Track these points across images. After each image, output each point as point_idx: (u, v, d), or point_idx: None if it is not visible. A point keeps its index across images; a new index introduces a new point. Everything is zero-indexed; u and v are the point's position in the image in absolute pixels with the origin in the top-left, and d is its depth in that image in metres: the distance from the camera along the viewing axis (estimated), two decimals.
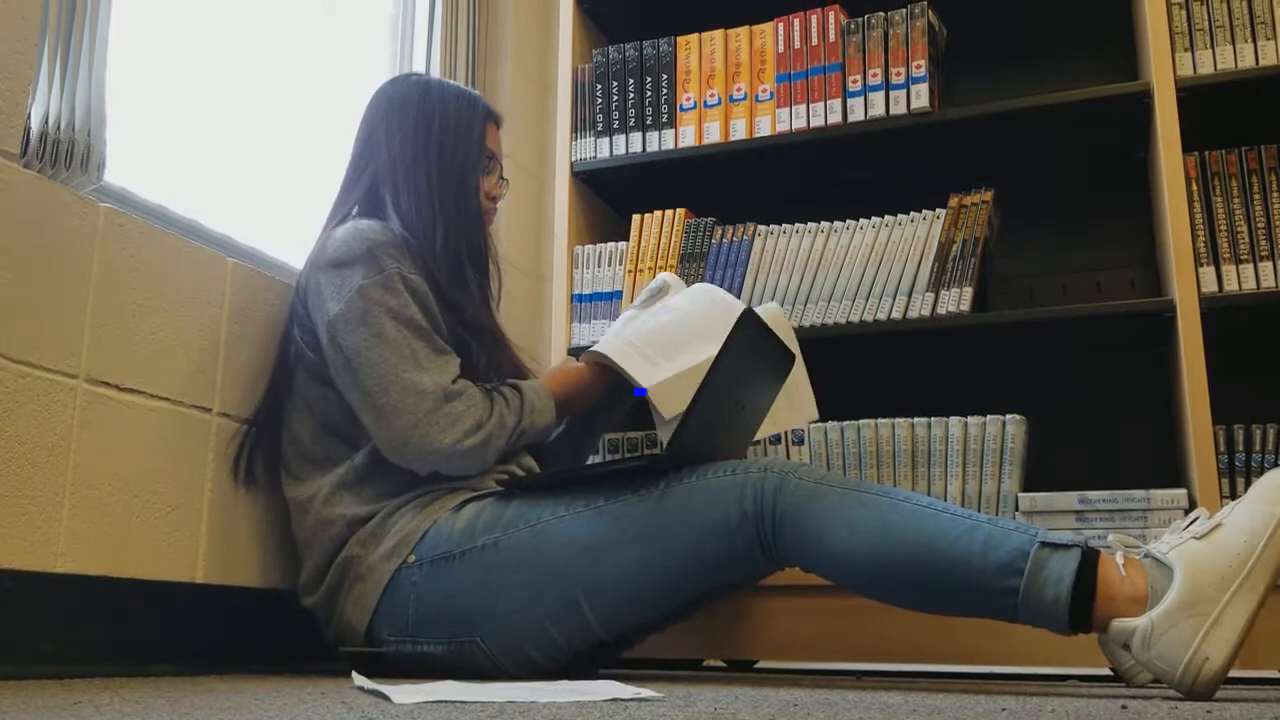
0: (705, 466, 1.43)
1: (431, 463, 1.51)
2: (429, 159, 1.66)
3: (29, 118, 1.39)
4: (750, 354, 1.49)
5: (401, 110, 1.69)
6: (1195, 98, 1.88)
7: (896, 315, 1.98)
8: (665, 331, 1.75)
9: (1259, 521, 1.21)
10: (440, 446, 1.49)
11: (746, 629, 1.91)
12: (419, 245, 1.60)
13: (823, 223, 2.07)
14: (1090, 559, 1.24)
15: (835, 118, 2.10)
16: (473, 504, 1.51)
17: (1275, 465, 1.70)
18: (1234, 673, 1.23)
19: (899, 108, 2.05)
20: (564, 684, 1.20)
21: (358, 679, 1.21)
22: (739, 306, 1.74)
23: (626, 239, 2.22)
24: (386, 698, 1.01)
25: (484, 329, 1.65)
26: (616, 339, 1.75)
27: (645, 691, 1.11)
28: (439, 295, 1.58)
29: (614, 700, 1.03)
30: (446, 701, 0.98)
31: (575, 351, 2.19)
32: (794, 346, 1.76)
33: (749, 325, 1.45)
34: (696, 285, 1.88)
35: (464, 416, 1.50)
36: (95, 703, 0.95)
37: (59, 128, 1.44)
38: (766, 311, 1.75)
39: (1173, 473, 1.92)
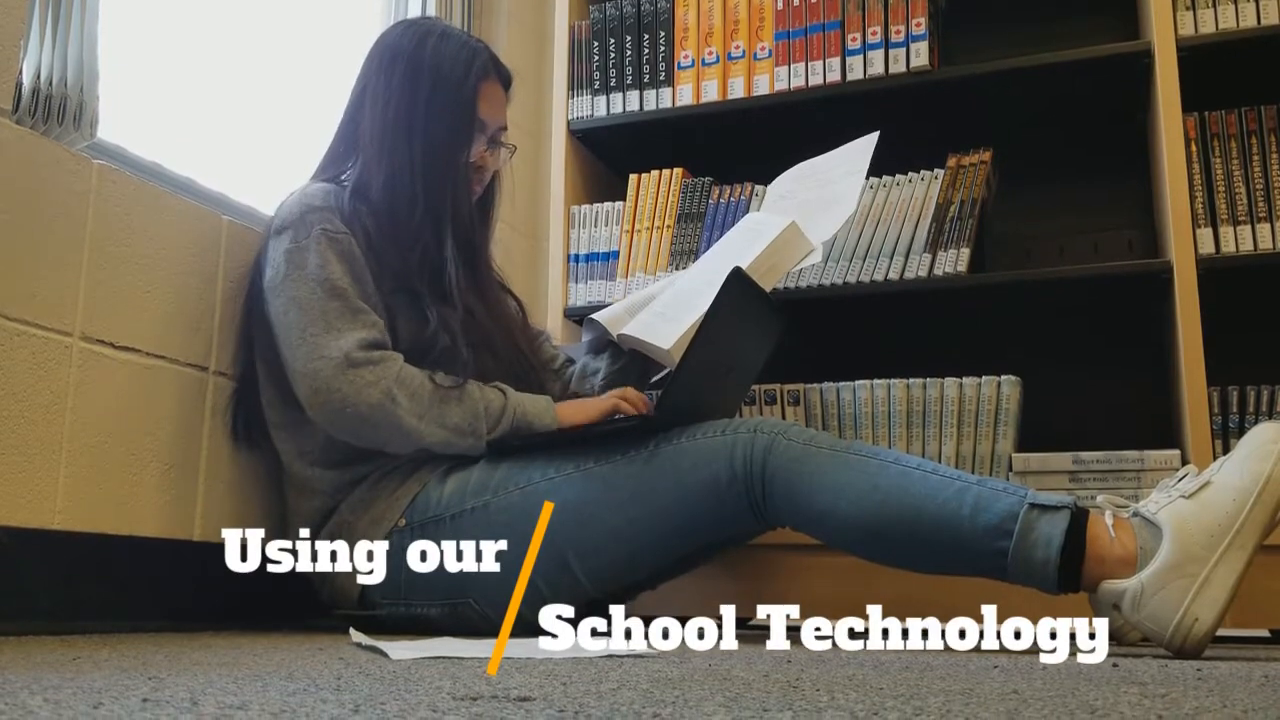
0: (695, 427, 1.43)
1: (341, 428, 1.47)
2: (413, 125, 1.58)
3: (20, 73, 1.38)
4: (739, 315, 1.49)
5: (390, 68, 1.61)
6: (1195, 57, 1.87)
7: (894, 276, 1.98)
8: (670, 292, 1.73)
9: (1248, 479, 1.21)
10: (342, 411, 1.44)
11: (741, 586, 1.92)
12: (384, 218, 1.55)
13: None
14: (1079, 520, 1.25)
15: (834, 76, 2.08)
16: (462, 467, 1.51)
17: None
18: (1223, 631, 1.25)
19: (898, 66, 2.04)
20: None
21: (355, 635, 1.22)
22: (770, 226, 1.68)
23: (624, 198, 2.21)
24: (384, 654, 1.02)
25: (452, 303, 1.57)
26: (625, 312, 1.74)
27: (640, 647, 1.12)
28: (395, 267, 1.54)
29: (609, 656, 1.04)
30: (444, 657, 0.99)
31: (572, 312, 2.19)
32: (816, 251, 1.68)
33: (737, 286, 1.44)
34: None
35: (373, 385, 1.44)
36: (94, 658, 0.96)
37: (51, 84, 1.43)
38: (780, 224, 1.68)
39: (1167, 433, 1.93)
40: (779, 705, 0.67)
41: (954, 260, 1.95)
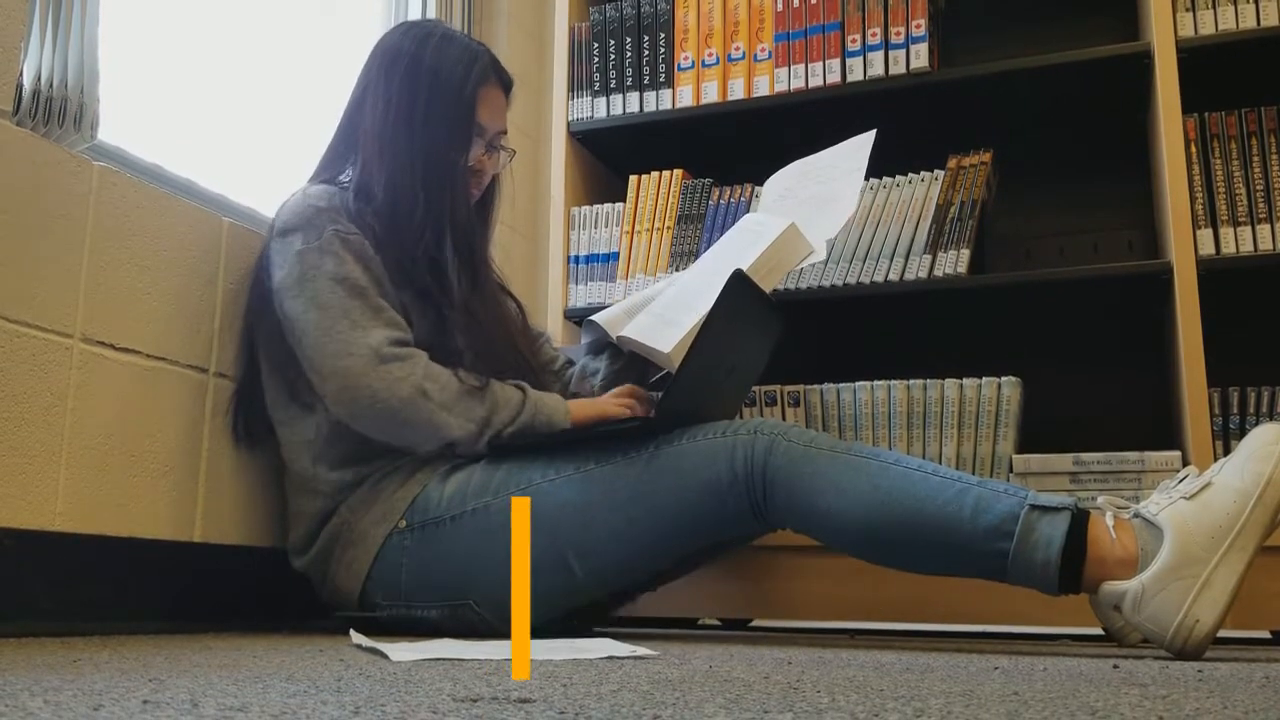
0: (696, 428, 1.43)
1: (369, 424, 1.47)
2: (413, 129, 1.57)
3: (21, 75, 1.38)
4: (740, 317, 1.49)
5: (390, 69, 1.60)
6: (1195, 58, 1.87)
7: (894, 277, 1.98)
8: (669, 294, 1.73)
9: (1248, 481, 1.21)
10: (375, 405, 1.44)
11: (741, 588, 1.92)
12: (387, 220, 1.55)
13: None
14: (1080, 521, 1.24)
15: (834, 78, 2.08)
16: (462, 468, 1.51)
17: None
18: (1224, 632, 1.24)
19: (898, 68, 2.04)
20: (561, 642, 1.21)
21: (356, 637, 1.22)
22: (769, 227, 1.68)
23: (624, 200, 2.21)
24: (385, 655, 1.02)
25: (453, 303, 1.57)
26: (624, 313, 1.73)
27: (641, 649, 1.12)
28: (399, 268, 1.54)
29: (610, 658, 1.04)
30: (444, 659, 0.99)
31: (572, 313, 2.19)
32: (819, 250, 1.67)
33: (738, 288, 1.44)
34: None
35: (403, 380, 1.45)
36: (94, 660, 0.96)
37: (51, 85, 1.43)
38: (778, 225, 1.67)
39: (1167, 435, 1.93)
40: (780, 707, 0.67)
41: (954, 261, 1.95)
